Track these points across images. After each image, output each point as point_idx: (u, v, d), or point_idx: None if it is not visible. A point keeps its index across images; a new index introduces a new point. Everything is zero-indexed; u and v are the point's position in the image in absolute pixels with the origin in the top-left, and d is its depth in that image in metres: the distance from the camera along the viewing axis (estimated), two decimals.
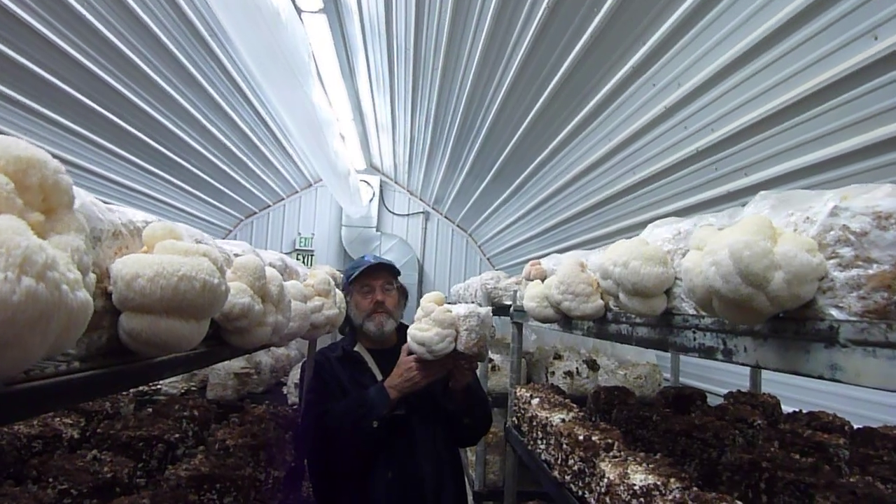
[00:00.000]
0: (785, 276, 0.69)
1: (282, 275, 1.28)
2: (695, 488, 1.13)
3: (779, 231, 0.74)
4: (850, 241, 0.68)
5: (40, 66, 2.98)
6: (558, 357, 3.21)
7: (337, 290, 1.78)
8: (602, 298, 1.41)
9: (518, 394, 2.27)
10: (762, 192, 0.88)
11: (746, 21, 1.94)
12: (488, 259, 7.55)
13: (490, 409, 2.05)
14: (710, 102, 2.31)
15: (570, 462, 1.49)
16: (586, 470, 1.41)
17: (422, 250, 7.66)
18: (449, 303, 1.77)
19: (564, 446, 1.55)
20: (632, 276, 1.05)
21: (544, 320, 1.75)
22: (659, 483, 1.14)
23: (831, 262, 0.69)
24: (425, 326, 1.68)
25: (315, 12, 3.38)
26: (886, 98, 1.67)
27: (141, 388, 2.49)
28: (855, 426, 1.81)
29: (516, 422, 2.26)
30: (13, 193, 0.45)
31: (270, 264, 1.30)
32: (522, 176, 4.54)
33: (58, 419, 1.64)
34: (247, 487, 1.44)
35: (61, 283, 0.43)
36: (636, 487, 1.14)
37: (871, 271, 0.66)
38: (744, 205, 0.97)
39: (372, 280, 2.00)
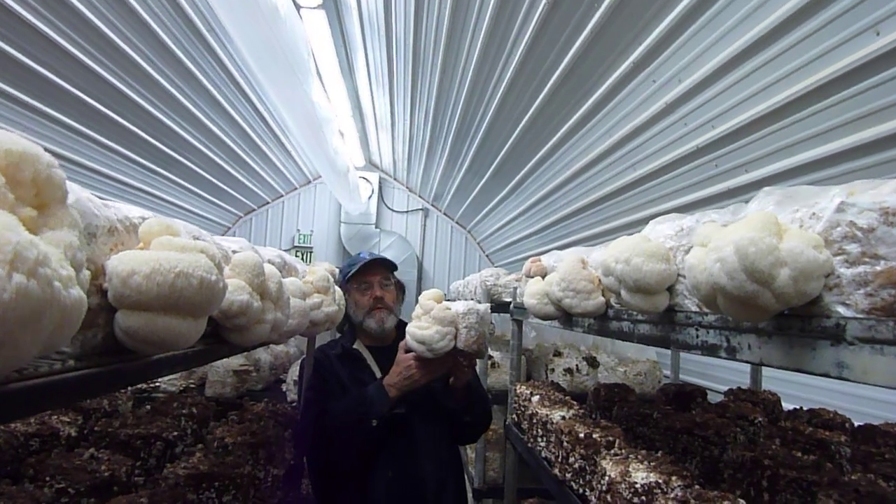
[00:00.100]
0: (791, 273, 0.68)
1: (281, 272, 1.26)
2: (697, 486, 1.13)
3: (784, 227, 0.73)
4: (857, 238, 0.67)
5: (38, 63, 2.96)
6: (558, 354, 3.20)
7: (336, 287, 1.77)
8: (603, 295, 1.40)
9: (518, 391, 2.26)
10: (766, 188, 0.87)
11: (748, 17, 1.93)
12: (488, 256, 7.55)
13: (490, 406, 2.05)
14: (711, 99, 2.30)
15: (571, 460, 1.49)
16: (587, 468, 1.40)
17: (421, 247, 7.65)
18: (448, 300, 1.76)
19: (565, 444, 1.54)
20: (634, 273, 1.04)
21: (545, 317, 1.74)
22: (660, 481, 1.13)
23: (838, 258, 0.68)
24: (425, 324, 1.67)
25: (314, 8, 3.36)
26: (888, 94, 1.66)
27: (139, 385, 2.48)
28: (855, 423, 1.81)
29: (516, 419, 2.25)
30: (4, 188, 0.43)
31: (269, 261, 1.29)
32: (522, 172, 4.53)
33: (55, 417, 1.63)
34: (246, 486, 1.43)
35: (54, 279, 0.42)
36: (638, 485, 1.14)
37: (878, 268, 0.65)
38: (746, 202, 0.96)
39: (369, 276, 1.99)
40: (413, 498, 1.79)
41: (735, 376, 2.87)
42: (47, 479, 1.23)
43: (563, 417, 1.74)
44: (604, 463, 1.30)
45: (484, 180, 5.42)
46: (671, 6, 2.15)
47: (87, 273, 0.53)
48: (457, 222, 7.68)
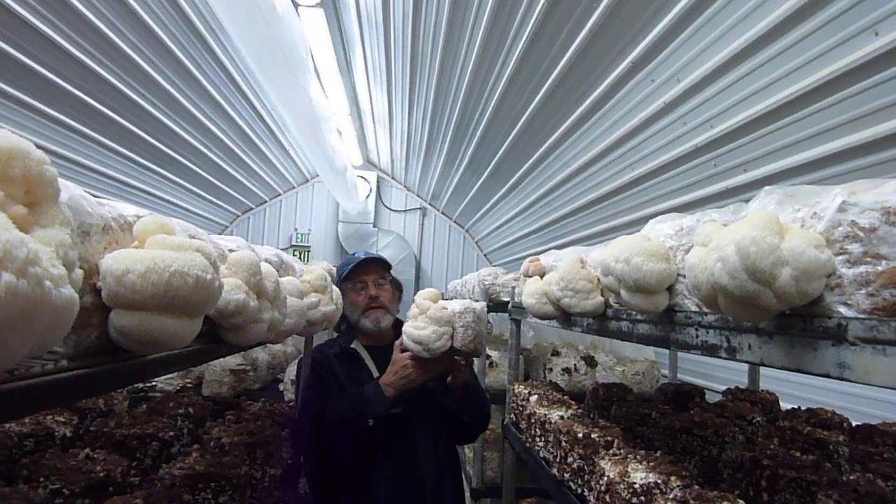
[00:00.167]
0: (792, 273, 0.67)
1: (278, 271, 1.26)
2: (696, 486, 1.12)
3: (786, 227, 0.72)
4: (859, 237, 0.67)
5: (35, 61, 2.94)
6: (556, 353, 3.20)
7: (333, 286, 1.76)
8: (602, 295, 1.39)
9: (516, 390, 2.26)
10: (767, 188, 0.87)
11: (747, 16, 1.92)
12: (486, 255, 7.54)
13: (489, 405, 2.04)
14: (710, 98, 2.30)
15: (570, 460, 1.48)
16: (586, 468, 1.40)
17: (419, 246, 7.64)
18: (445, 299, 1.76)
19: (563, 444, 1.53)
20: (634, 273, 1.04)
21: (543, 317, 1.74)
22: (660, 481, 1.12)
23: (839, 258, 0.68)
24: (421, 324, 1.66)
25: (312, 6, 3.34)
26: (886, 94, 1.66)
27: (135, 385, 2.47)
28: (853, 423, 1.81)
29: (514, 419, 2.25)
30: None
31: (266, 260, 1.28)
32: (520, 172, 4.52)
33: (50, 417, 1.61)
34: (242, 486, 1.42)
35: (44, 279, 0.41)
36: (637, 486, 1.13)
37: (880, 268, 0.64)
38: (745, 201, 0.96)
39: (364, 275, 1.98)
40: (411, 497, 1.79)
41: (733, 375, 2.87)
42: (42, 479, 1.21)
43: (562, 417, 1.73)
44: (602, 463, 1.29)
45: (482, 179, 5.41)
46: (670, 5, 2.14)
47: (79, 272, 0.52)
48: (455, 221, 7.67)
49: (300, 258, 6.83)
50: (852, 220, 0.67)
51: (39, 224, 0.47)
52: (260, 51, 2.83)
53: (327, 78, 4.35)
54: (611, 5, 2.34)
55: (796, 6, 1.73)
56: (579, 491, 1.43)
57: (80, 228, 0.63)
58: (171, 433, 1.63)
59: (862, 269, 0.66)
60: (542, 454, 1.77)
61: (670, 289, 1.06)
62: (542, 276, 1.81)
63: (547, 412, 1.81)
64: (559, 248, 2.20)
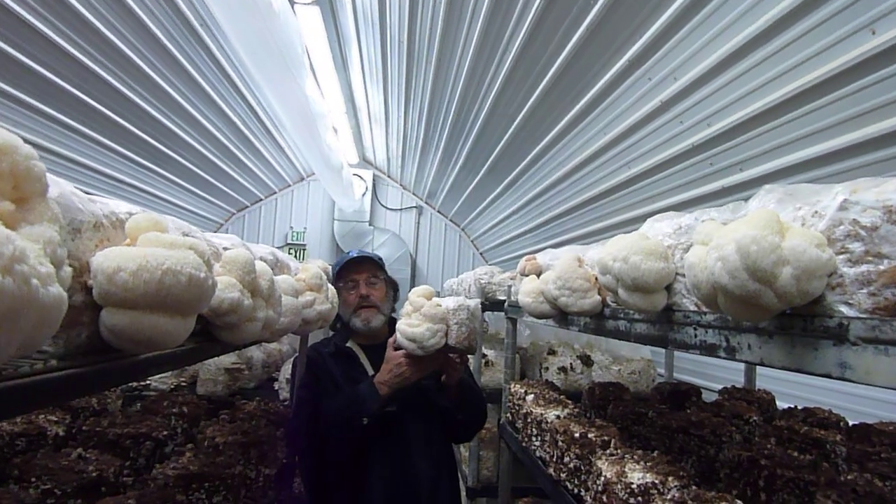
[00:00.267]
0: (793, 272, 0.66)
1: (273, 269, 1.24)
2: (693, 486, 1.12)
3: (786, 225, 0.72)
4: (861, 236, 0.66)
5: (33, 59, 2.92)
6: (552, 352, 3.20)
7: (329, 284, 1.75)
8: (600, 294, 1.38)
9: (512, 390, 2.25)
10: (767, 186, 0.86)
11: (743, 15, 1.92)
12: (482, 254, 7.53)
13: (485, 404, 2.04)
14: (706, 97, 2.30)
15: (566, 459, 1.47)
16: (582, 467, 1.39)
17: (415, 245, 7.63)
18: (439, 296, 1.75)
19: (560, 443, 1.53)
20: (632, 272, 1.03)
21: (540, 316, 1.73)
22: (657, 481, 1.12)
23: (841, 257, 0.67)
24: (415, 322, 1.64)
25: (308, 3, 3.33)
26: (884, 93, 1.66)
27: (129, 383, 2.45)
28: (849, 422, 1.81)
29: (510, 418, 2.24)
30: None
31: (261, 258, 1.27)
32: (517, 170, 4.51)
33: (42, 416, 1.60)
34: (237, 486, 1.41)
35: (31, 277, 0.40)
36: (634, 486, 1.13)
37: (881, 267, 0.64)
38: (741, 200, 0.95)
39: (356, 274, 1.97)
40: (406, 497, 1.78)
41: (730, 375, 2.88)
42: (33, 479, 1.20)
43: (558, 416, 1.73)
44: (599, 463, 1.29)
45: (478, 178, 5.40)
46: (667, 4, 2.14)
47: (68, 270, 0.51)
48: (451, 220, 7.66)
49: (296, 256, 6.81)
50: (854, 219, 0.67)
51: (27, 221, 0.46)
52: (256, 48, 2.81)
53: (323, 75, 4.33)
54: (607, 3, 2.33)
55: (793, 4, 1.73)
56: (576, 491, 1.42)
57: (70, 225, 0.62)
58: (165, 432, 1.62)
59: (863, 268, 0.65)
60: (538, 454, 1.77)
61: (669, 288, 1.05)
62: (538, 275, 1.80)
63: (543, 411, 1.81)
64: (556, 246, 2.20)
